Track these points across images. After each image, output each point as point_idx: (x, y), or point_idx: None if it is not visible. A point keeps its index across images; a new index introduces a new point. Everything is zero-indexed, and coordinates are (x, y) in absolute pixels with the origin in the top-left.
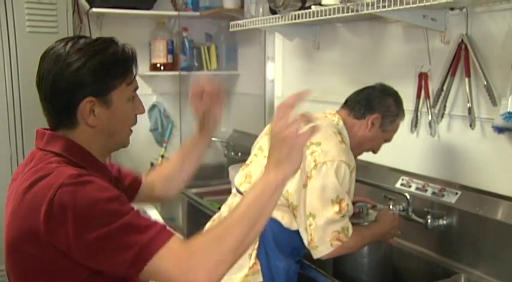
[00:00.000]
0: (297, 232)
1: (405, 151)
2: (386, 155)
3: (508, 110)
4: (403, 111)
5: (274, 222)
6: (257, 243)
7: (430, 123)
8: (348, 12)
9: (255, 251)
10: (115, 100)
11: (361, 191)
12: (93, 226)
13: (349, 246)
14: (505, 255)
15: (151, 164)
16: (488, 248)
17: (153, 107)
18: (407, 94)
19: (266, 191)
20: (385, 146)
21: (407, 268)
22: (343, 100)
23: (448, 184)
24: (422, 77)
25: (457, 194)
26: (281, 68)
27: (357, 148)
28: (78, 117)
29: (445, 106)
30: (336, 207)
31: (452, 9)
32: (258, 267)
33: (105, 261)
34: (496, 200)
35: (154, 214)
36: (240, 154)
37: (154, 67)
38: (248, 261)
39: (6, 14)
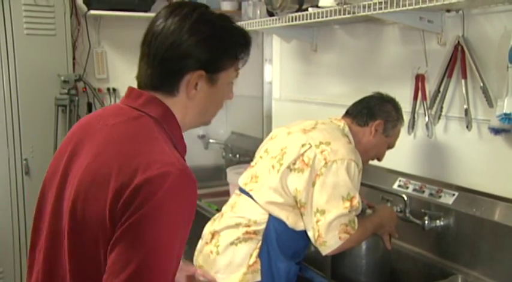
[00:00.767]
0: (301, 233)
1: (402, 152)
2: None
3: (504, 111)
4: (402, 116)
5: (278, 222)
6: (260, 242)
7: (427, 124)
8: (344, 14)
9: (256, 250)
10: (220, 80)
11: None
12: (151, 227)
13: (355, 239)
14: (502, 256)
15: None
16: (485, 248)
17: None
18: (404, 96)
19: None
20: None
21: (404, 269)
22: (340, 102)
23: (445, 185)
24: (419, 79)
25: (454, 195)
26: (279, 70)
27: (362, 156)
28: (180, 86)
29: (441, 107)
30: (347, 204)
31: (448, 11)
32: (258, 266)
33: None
34: (493, 201)
35: None
36: (238, 156)
37: None
38: (248, 259)
39: (4, 17)
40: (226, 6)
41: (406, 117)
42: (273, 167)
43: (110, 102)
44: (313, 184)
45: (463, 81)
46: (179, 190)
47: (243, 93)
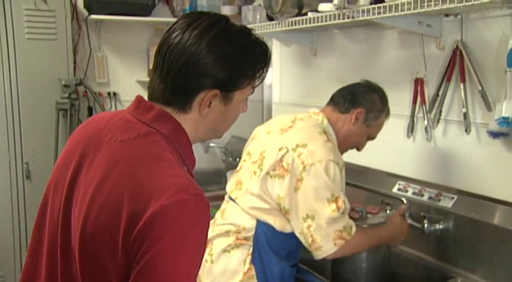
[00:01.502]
0: (291, 234)
1: (402, 156)
2: (383, 160)
3: (503, 115)
4: (388, 108)
5: (266, 226)
6: (251, 248)
7: (426, 128)
8: (344, 18)
9: (249, 256)
10: (235, 98)
11: (358, 196)
12: (171, 261)
13: (355, 244)
14: (501, 259)
15: None
16: (484, 252)
17: None
18: (403, 99)
19: None
20: (382, 151)
21: (404, 272)
22: None
23: (444, 189)
24: (418, 83)
25: (453, 198)
26: (279, 74)
27: (341, 144)
28: (193, 104)
29: (440, 111)
30: (333, 206)
31: (447, 15)
32: (253, 272)
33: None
34: (492, 205)
35: None
36: (238, 159)
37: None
38: (242, 266)
39: (5, 21)
40: (226, 11)
41: (405, 121)
42: (254, 173)
43: (111, 106)
44: (295, 189)
45: (461, 85)
46: (196, 218)
47: None
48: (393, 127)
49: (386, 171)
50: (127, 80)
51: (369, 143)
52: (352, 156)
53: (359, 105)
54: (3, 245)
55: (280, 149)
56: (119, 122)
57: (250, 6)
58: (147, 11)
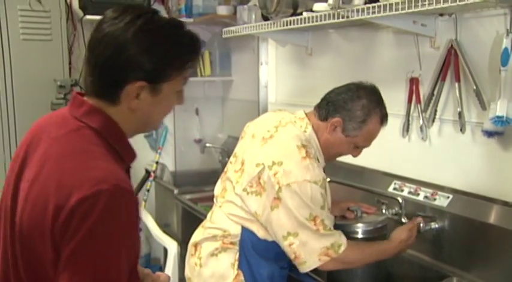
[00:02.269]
0: (275, 242)
1: (397, 155)
2: (379, 160)
3: (497, 114)
4: (372, 118)
5: (250, 233)
6: (237, 254)
7: (421, 127)
8: (338, 18)
9: (236, 262)
10: (164, 90)
11: (354, 195)
12: (92, 251)
13: (347, 261)
14: (497, 258)
15: (146, 171)
16: (480, 251)
17: None
18: (398, 99)
19: None
20: (377, 151)
21: (400, 272)
22: None
23: (439, 188)
24: (413, 82)
25: (448, 197)
26: (274, 74)
27: (325, 153)
28: (121, 96)
29: (435, 110)
30: (312, 224)
31: (441, 15)
32: (242, 277)
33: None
34: (487, 204)
35: (150, 221)
36: None
37: None
38: (231, 271)
39: (0, 22)
40: (221, 11)
41: (401, 121)
42: (235, 185)
43: None
44: (272, 208)
45: (456, 84)
46: (114, 206)
47: (239, 97)
48: (388, 126)
49: (382, 170)
50: None
51: None
52: (347, 156)
53: (336, 115)
54: None
55: (257, 165)
56: (56, 119)
57: (245, 6)
58: None
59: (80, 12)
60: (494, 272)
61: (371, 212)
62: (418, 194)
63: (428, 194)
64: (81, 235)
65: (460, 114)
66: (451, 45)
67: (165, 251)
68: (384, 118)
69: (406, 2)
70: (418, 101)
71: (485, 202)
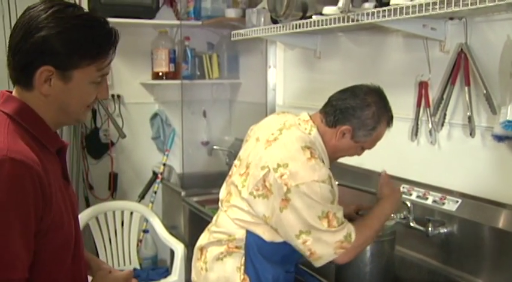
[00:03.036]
0: (283, 243)
1: (406, 159)
2: (387, 163)
3: (508, 118)
4: (380, 124)
5: (256, 236)
6: (243, 258)
7: (430, 131)
8: (348, 21)
9: (242, 266)
10: (75, 78)
11: (362, 199)
12: None
13: (359, 244)
14: (506, 263)
15: (153, 172)
16: (488, 256)
17: (155, 115)
18: (407, 102)
19: None
20: (386, 155)
21: (408, 276)
22: None
23: (448, 192)
24: (423, 86)
25: (457, 202)
26: (282, 77)
27: (331, 156)
28: (33, 81)
29: (445, 114)
30: (325, 222)
31: (451, 18)
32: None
33: None
34: (496, 208)
35: (157, 223)
36: None
37: (156, 76)
38: (237, 275)
39: (10, 23)
40: (230, 14)
41: (410, 124)
42: (241, 190)
43: (114, 108)
44: (281, 209)
45: (466, 88)
46: (6, 177)
47: (247, 100)
48: (397, 130)
49: (390, 174)
50: (131, 82)
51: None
52: (355, 160)
53: (346, 123)
54: None
55: (262, 168)
56: None
57: (254, 9)
58: (151, 13)
59: None
60: (504, 277)
61: None
62: (427, 198)
63: (437, 198)
64: None
65: (470, 119)
66: (461, 49)
67: (172, 253)
68: (390, 121)
69: (416, 5)
70: (427, 104)
71: (494, 207)
